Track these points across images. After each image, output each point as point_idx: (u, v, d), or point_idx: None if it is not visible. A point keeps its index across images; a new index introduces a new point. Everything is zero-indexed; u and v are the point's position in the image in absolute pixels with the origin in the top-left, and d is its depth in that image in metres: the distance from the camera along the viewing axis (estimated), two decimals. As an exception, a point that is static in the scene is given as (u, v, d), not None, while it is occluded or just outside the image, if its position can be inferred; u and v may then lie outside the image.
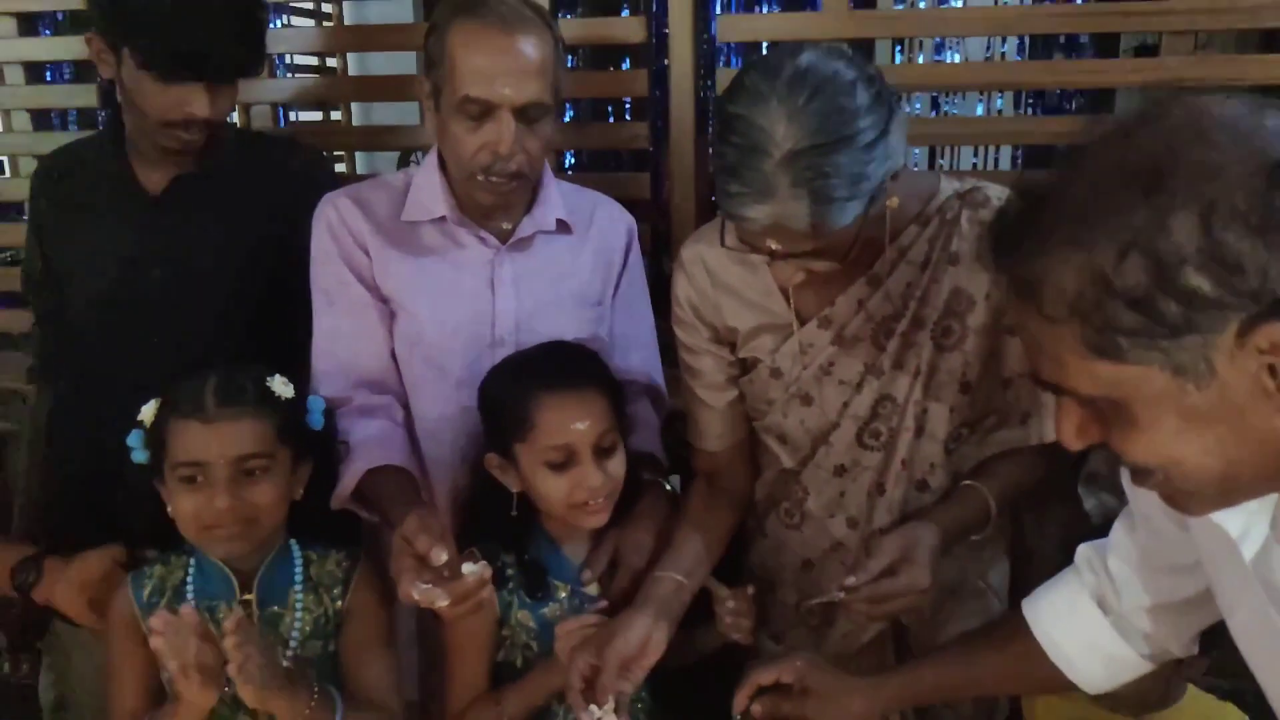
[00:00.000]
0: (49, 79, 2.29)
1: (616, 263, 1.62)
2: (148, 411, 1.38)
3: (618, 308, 1.63)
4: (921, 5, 2.18)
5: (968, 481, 1.39)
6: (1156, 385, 0.73)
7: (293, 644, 1.39)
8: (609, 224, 1.63)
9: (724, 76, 1.91)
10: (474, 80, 1.39)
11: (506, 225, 1.54)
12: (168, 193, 1.68)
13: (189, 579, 1.40)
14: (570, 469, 1.38)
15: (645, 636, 1.32)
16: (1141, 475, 0.82)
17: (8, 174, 2.41)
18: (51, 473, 1.79)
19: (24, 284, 1.87)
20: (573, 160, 2.14)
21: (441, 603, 1.21)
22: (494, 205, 1.51)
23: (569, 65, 1.82)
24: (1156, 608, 1.11)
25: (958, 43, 2.74)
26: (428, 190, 1.54)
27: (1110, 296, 0.71)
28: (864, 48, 2.06)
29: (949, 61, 2.33)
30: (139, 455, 1.39)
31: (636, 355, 1.60)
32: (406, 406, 1.57)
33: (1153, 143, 0.73)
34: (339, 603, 1.43)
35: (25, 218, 1.92)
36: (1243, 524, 0.85)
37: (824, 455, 1.44)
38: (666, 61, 1.89)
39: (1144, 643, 1.14)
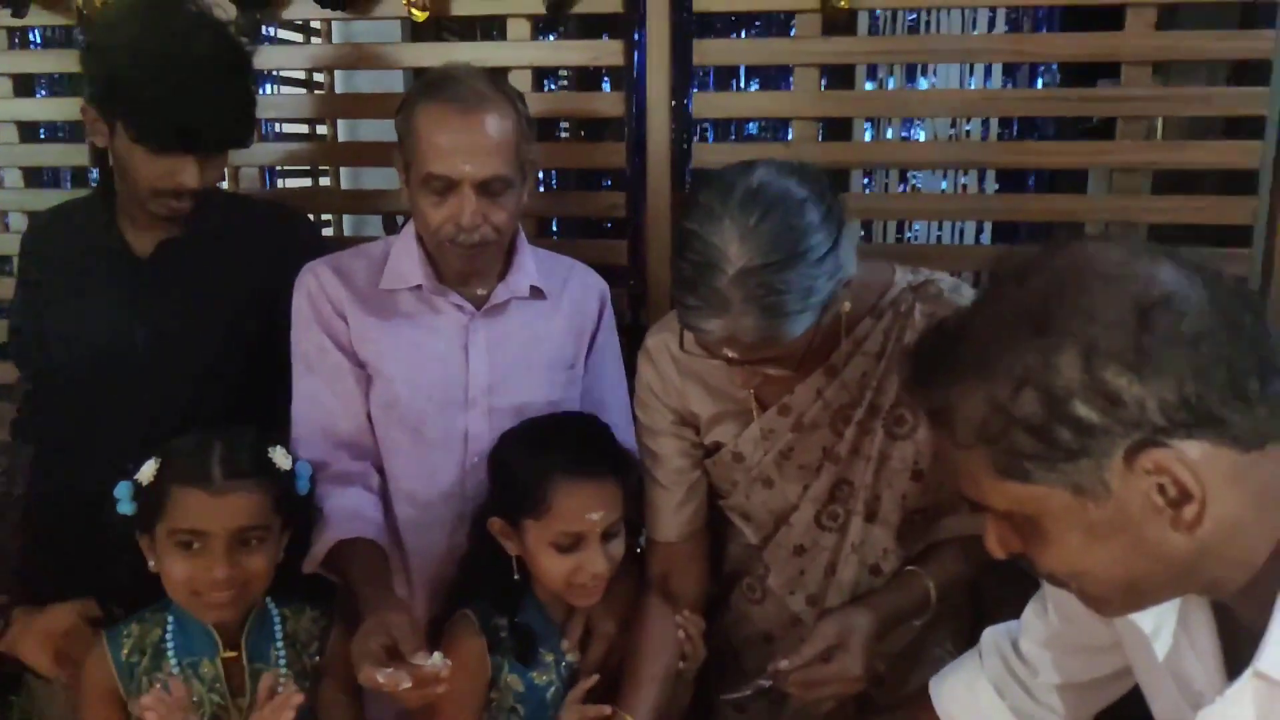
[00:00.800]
0: (42, 137, 2.32)
1: (589, 328, 1.66)
2: (147, 470, 1.38)
3: (590, 371, 1.66)
4: (891, 85, 2.26)
5: (910, 567, 1.42)
6: (1060, 503, 0.80)
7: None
8: (582, 290, 1.67)
9: (699, 150, 1.96)
10: (436, 158, 1.45)
11: (481, 291, 1.58)
12: (155, 256, 1.70)
13: (168, 636, 1.40)
14: (576, 552, 1.39)
15: None
16: (1056, 580, 0.89)
17: (-3, 230, 2.41)
18: (29, 524, 1.77)
19: (10, 338, 1.88)
20: (555, 226, 2.19)
21: (405, 685, 1.22)
22: (466, 270, 1.55)
23: (557, 136, 1.87)
24: (1066, 687, 1.15)
25: (923, 120, 2.85)
26: (405, 259, 1.58)
27: (1011, 424, 0.79)
28: (835, 124, 2.13)
29: (916, 139, 2.41)
30: (125, 507, 1.39)
31: (609, 418, 1.61)
32: (382, 470, 1.59)
33: (1042, 287, 0.81)
34: (315, 659, 1.44)
35: (13, 274, 1.92)
36: (1154, 622, 0.92)
37: (784, 534, 1.47)
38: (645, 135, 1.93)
39: None
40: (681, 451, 1.51)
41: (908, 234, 2.71)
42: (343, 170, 2.58)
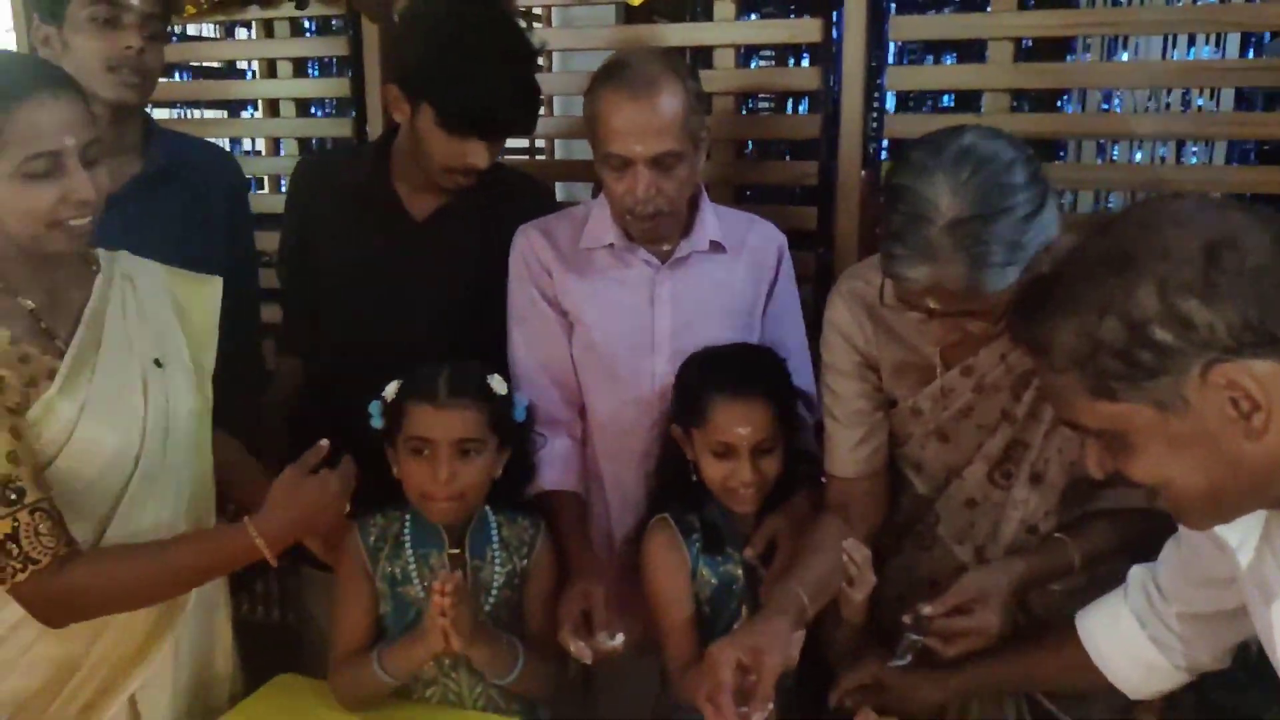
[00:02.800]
0: (313, 112, 2.62)
1: (768, 277, 1.78)
2: (390, 389, 1.58)
3: (770, 318, 1.77)
4: (1087, 58, 2.22)
5: (1059, 535, 1.44)
6: (1144, 418, 0.90)
7: (493, 592, 1.58)
8: (761, 243, 1.79)
9: (891, 122, 2.03)
10: (612, 138, 1.59)
11: (666, 247, 1.73)
12: (431, 220, 1.88)
13: (406, 531, 1.60)
14: (729, 460, 1.54)
15: (786, 646, 1.36)
16: (1151, 494, 0.98)
17: (266, 190, 2.73)
18: (296, 433, 1.99)
19: (278, 260, 2.09)
20: (747, 194, 2.30)
21: (586, 659, 1.43)
22: (644, 236, 1.70)
23: (756, 109, 1.96)
24: (1194, 617, 1.20)
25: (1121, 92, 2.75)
26: (601, 221, 1.74)
27: (1098, 349, 0.89)
28: (1034, 97, 2.12)
29: (1115, 111, 2.35)
30: (376, 421, 1.59)
31: (789, 362, 1.71)
32: (584, 410, 1.78)
33: (1121, 234, 0.91)
34: (524, 562, 1.62)
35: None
36: (1239, 537, 1.00)
37: (956, 487, 1.52)
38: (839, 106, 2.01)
39: (1179, 654, 1.24)
40: (861, 393, 1.56)
41: (1103, 204, 2.64)
42: (556, 141, 2.79)
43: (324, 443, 1.46)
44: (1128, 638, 1.28)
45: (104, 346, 1.40)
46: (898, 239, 1.24)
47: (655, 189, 1.60)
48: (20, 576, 1.27)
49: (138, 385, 1.42)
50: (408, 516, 1.61)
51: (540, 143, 2.88)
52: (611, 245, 1.73)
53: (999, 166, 1.20)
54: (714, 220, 1.75)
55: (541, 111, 1.86)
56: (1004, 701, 1.53)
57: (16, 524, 1.26)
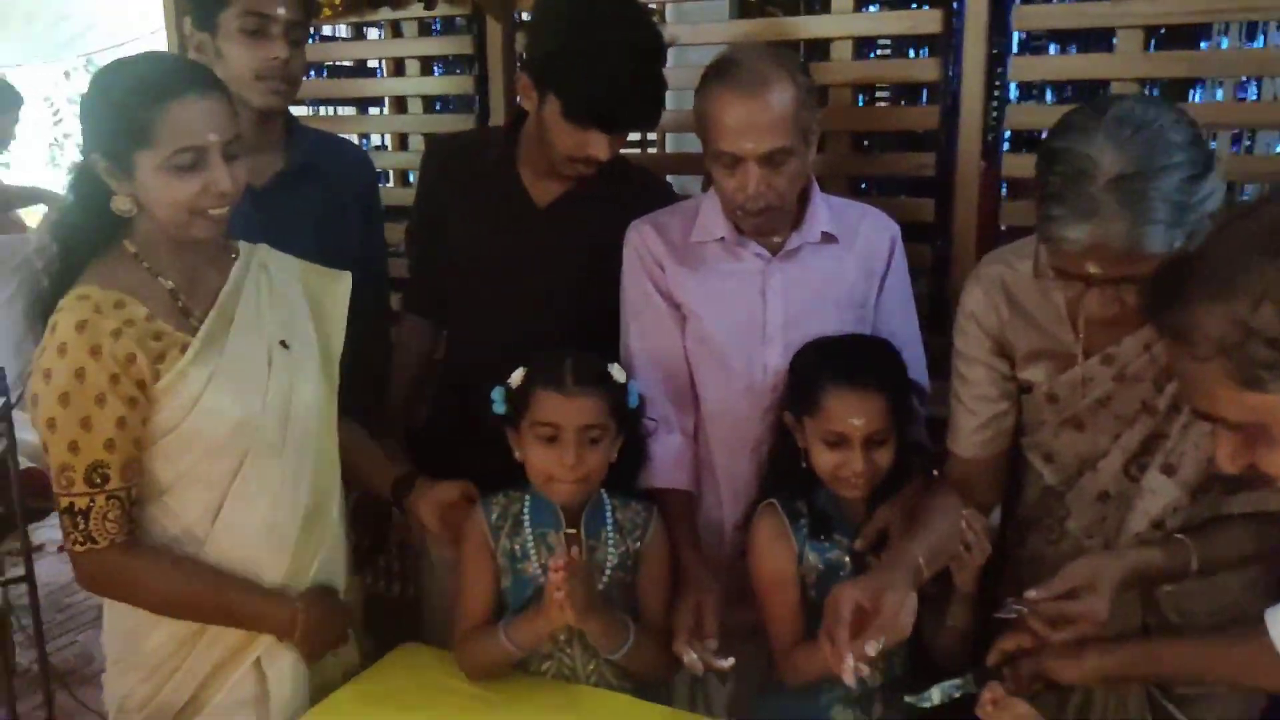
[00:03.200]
0: (437, 109, 2.70)
1: (879, 268, 1.77)
2: (516, 376, 1.62)
3: (882, 308, 1.76)
4: (1224, 45, 2.12)
5: (1179, 535, 1.40)
6: None
7: (607, 573, 1.62)
8: (873, 233, 1.78)
9: (1012, 112, 1.98)
10: (722, 136, 1.59)
11: (777, 240, 1.73)
12: (552, 207, 1.92)
13: (526, 511, 1.66)
14: (842, 449, 1.55)
15: (905, 593, 1.37)
16: None
17: (393, 184, 2.85)
18: (425, 405, 2.12)
19: (406, 231, 2.17)
20: (864, 186, 2.29)
21: (697, 670, 1.48)
22: (755, 230, 1.71)
23: (874, 100, 1.94)
24: None
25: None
26: (712, 214, 1.75)
27: (1250, 336, 0.85)
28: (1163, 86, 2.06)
29: (1251, 99, 2.25)
30: (499, 407, 1.64)
31: (902, 354, 1.70)
32: (697, 401, 1.80)
33: (1272, 217, 0.87)
34: (638, 544, 1.66)
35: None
36: None
37: (1089, 479, 1.49)
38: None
39: None
40: (990, 380, 1.55)
41: (1240, 197, 2.52)
42: (668, 134, 2.82)
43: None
44: None
45: (235, 325, 1.50)
46: (1057, 199, 1.22)
47: (766, 185, 1.61)
48: (79, 549, 1.41)
49: (263, 363, 1.52)
50: (527, 497, 1.66)
51: (652, 135, 2.91)
52: (723, 239, 1.75)
53: (1161, 126, 1.20)
54: (825, 212, 1.75)
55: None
56: (1129, 698, 1.49)
57: (92, 504, 1.39)
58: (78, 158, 1.45)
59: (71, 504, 1.39)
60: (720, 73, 1.63)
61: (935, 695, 1.38)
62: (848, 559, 1.62)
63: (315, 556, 1.59)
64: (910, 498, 1.61)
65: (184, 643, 1.52)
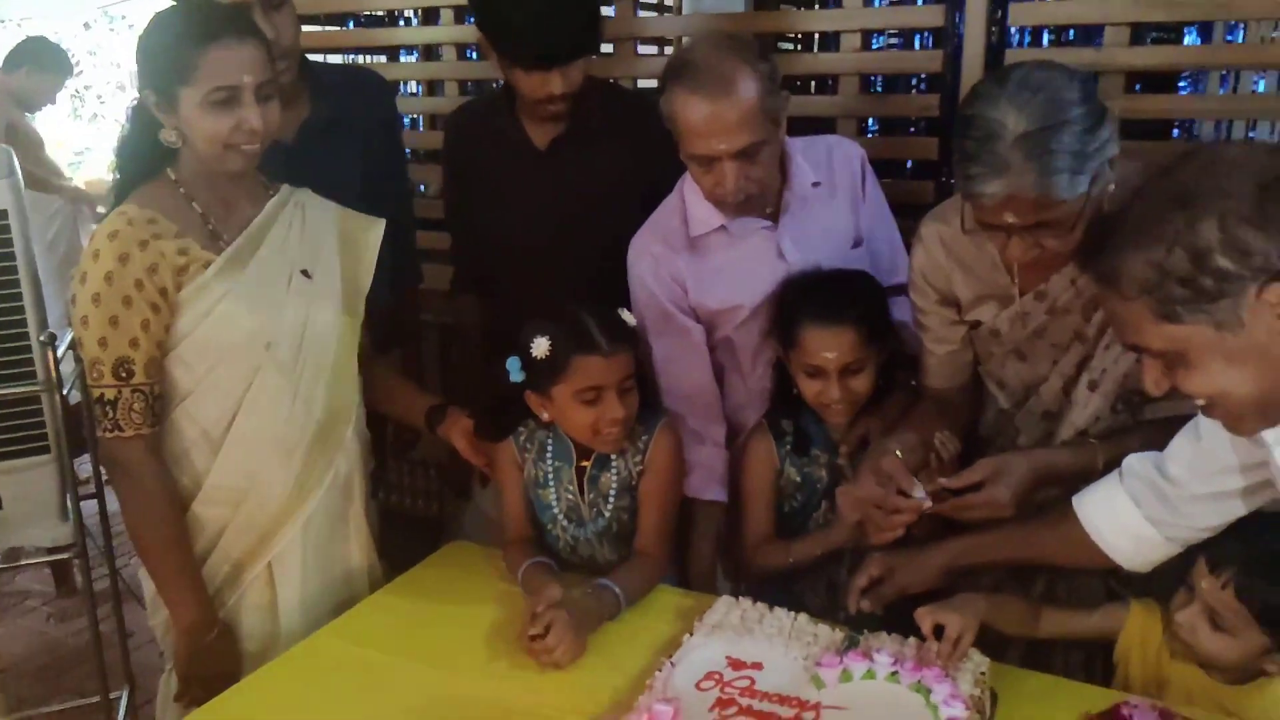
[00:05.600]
0: (471, 57, 2.78)
1: (857, 187, 1.84)
2: (540, 346, 1.61)
3: (864, 217, 1.84)
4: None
5: (1091, 439, 1.53)
6: (1205, 337, 1.01)
7: (610, 499, 1.72)
8: (845, 163, 1.83)
9: (1012, 56, 2.07)
10: (693, 140, 1.61)
11: (770, 209, 1.77)
12: (551, 147, 1.97)
13: (550, 444, 1.75)
14: (819, 379, 1.68)
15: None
16: (1207, 408, 1.10)
17: (423, 129, 2.95)
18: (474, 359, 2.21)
19: (446, 216, 2.26)
20: (874, 125, 2.40)
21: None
22: (742, 212, 1.73)
23: (875, 45, 2.04)
24: (1204, 497, 1.31)
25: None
26: (700, 204, 1.76)
27: (1166, 278, 1.00)
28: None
29: (1237, 41, 2.37)
30: (516, 376, 1.67)
31: (881, 255, 1.82)
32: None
33: (1184, 175, 1.01)
34: (640, 466, 1.73)
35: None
36: (1275, 435, 1.12)
37: (1034, 401, 1.61)
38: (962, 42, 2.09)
39: (1178, 529, 1.36)
40: (943, 325, 1.66)
41: (1226, 134, 2.64)
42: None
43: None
44: (1122, 516, 1.40)
45: (261, 251, 1.62)
46: (973, 160, 1.32)
47: (744, 178, 1.63)
48: (108, 435, 1.55)
49: (283, 286, 1.63)
50: (551, 435, 1.75)
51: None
52: (723, 227, 1.77)
53: (1057, 86, 1.30)
54: (804, 163, 1.78)
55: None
56: (1087, 584, 1.63)
57: (119, 395, 1.53)
58: (99, 109, 1.57)
59: (101, 394, 1.53)
60: (681, 75, 1.61)
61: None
62: (824, 474, 1.76)
63: (328, 472, 1.70)
64: (890, 409, 1.73)
65: (209, 543, 1.65)
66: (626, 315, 1.68)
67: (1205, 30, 2.43)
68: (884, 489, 1.52)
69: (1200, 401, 1.11)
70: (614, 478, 1.73)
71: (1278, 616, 1.28)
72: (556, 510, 1.76)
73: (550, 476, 1.75)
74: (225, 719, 1.41)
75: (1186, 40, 2.34)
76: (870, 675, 1.33)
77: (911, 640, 1.42)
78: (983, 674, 1.34)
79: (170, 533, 1.60)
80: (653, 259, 1.80)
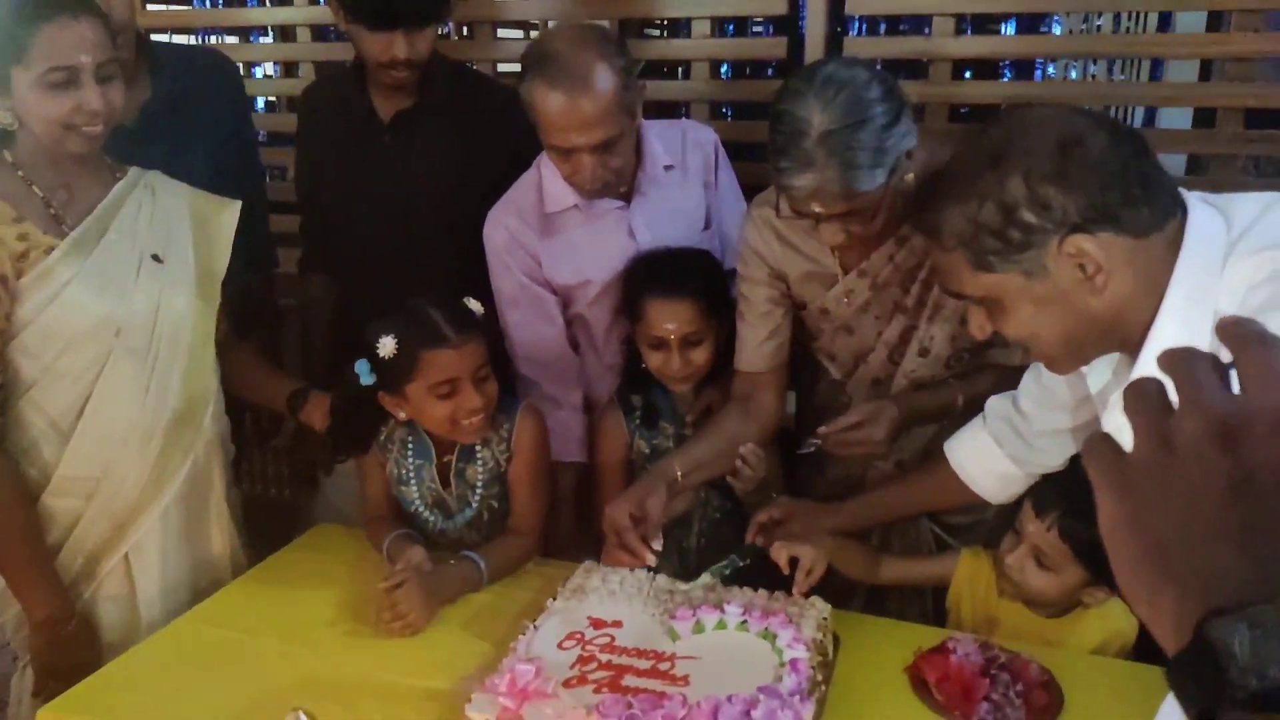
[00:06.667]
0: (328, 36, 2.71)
1: (710, 177, 1.90)
2: (388, 346, 1.58)
3: (720, 203, 1.90)
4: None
5: (949, 380, 1.66)
6: (1016, 284, 1.10)
7: (478, 489, 1.73)
8: (696, 147, 1.88)
9: (849, 44, 2.20)
10: (551, 131, 1.65)
11: (624, 189, 1.81)
12: (396, 119, 1.96)
13: (410, 442, 1.74)
14: (661, 350, 1.74)
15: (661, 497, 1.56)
16: (1025, 351, 1.18)
17: (279, 111, 2.87)
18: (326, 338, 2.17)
19: (296, 193, 2.21)
20: (726, 110, 2.49)
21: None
22: (599, 197, 1.77)
23: (728, 31, 2.10)
24: (1050, 433, 1.44)
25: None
26: (556, 182, 1.78)
27: (979, 230, 1.08)
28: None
29: (1052, 34, 2.56)
30: (367, 379, 1.63)
31: (732, 237, 1.86)
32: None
33: (995, 136, 1.09)
34: (506, 452, 1.74)
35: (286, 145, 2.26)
36: (1093, 366, 1.22)
37: (863, 370, 1.71)
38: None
39: (1033, 465, 1.48)
40: (769, 298, 1.70)
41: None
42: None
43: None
44: (987, 456, 1.51)
45: (109, 235, 1.58)
46: (783, 154, 1.40)
47: (602, 168, 1.67)
48: None
49: (132, 272, 1.58)
50: (409, 430, 1.74)
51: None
52: (576, 206, 1.80)
53: (858, 85, 1.38)
54: (658, 145, 1.82)
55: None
56: (917, 533, 1.76)
57: None
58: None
59: None
60: (540, 66, 1.63)
61: (705, 578, 1.51)
62: (672, 444, 1.83)
63: (186, 460, 1.67)
64: (731, 382, 1.79)
65: (61, 535, 1.61)
66: (473, 303, 1.67)
67: (1025, 23, 2.63)
68: (630, 528, 1.51)
69: (1018, 345, 1.20)
70: (480, 469, 1.74)
71: (1095, 553, 1.39)
72: (420, 506, 1.76)
73: (411, 475, 1.75)
74: (85, 707, 1.38)
75: (1006, 32, 2.52)
76: (722, 625, 1.41)
77: (761, 591, 1.50)
78: (825, 619, 1.43)
79: (18, 524, 1.55)
80: (507, 232, 1.84)
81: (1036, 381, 1.42)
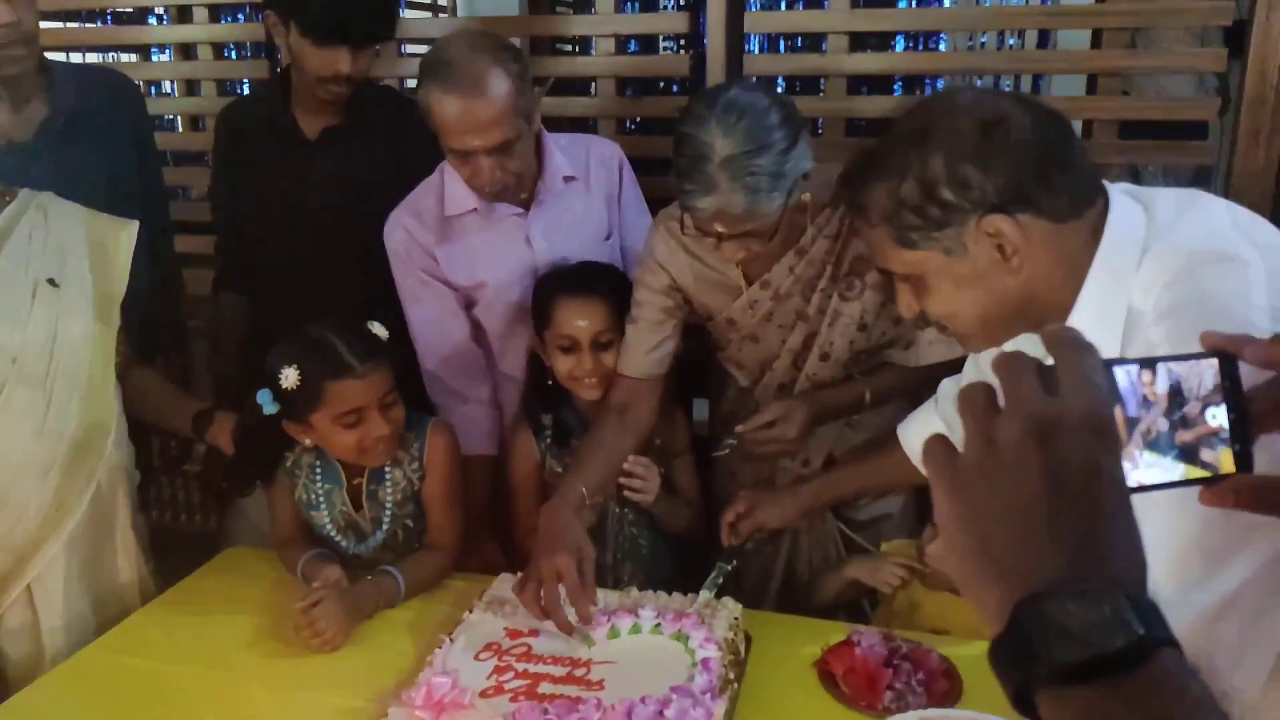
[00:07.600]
0: (230, 55, 2.70)
1: (615, 192, 1.93)
2: (290, 377, 1.56)
3: (624, 219, 1.94)
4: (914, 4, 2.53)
5: (856, 377, 1.72)
6: (937, 262, 1.10)
7: (389, 509, 1.71)
8: (602, 162, 1.91)
9: (749, 61, 2.24)
10: (448, 135, 1.67)
11: (525, 195, 1.84)
12: (320, 139, 1.99)
13: (317, 467, 1.71)
14: (573, 352, 1.75)
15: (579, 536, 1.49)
16: (944, 329, 1.19)
17: (180, 130, 2.81)
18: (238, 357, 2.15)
19: (210, 205, 2.20)
20: (631, 124, 2.53)
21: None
22: (499, 200, 1.80)
23: (630, 50, 2.15)
24: None
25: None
26: (457, 185, 1.80)
27: (901, 206, 1.08)
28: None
29: (938, 50, 2.68)
30: (270, 408, 1.61)
31: (634, 250, 1.88)
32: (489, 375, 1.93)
33: (919, 115, 1.10)
34: (419, 473, 1.73)
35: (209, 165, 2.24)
36: (1012, 346, 1.21)
37: (769, 377, 1.76)
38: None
39: None
40: (664, 308, 1.72)
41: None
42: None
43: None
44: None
45: (0, 262, 1.52)
46: (686, 177, 1.43)
47: (499, 170, 1.69)
48: None
49: (27, 298, 1.55)
50: (316, 456, 1.71)
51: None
52: (475, 210, 1.82)
53: (759, 111, 1.41)
54: (560, 156, 1.85)
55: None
56: (825, 538, 1.83)
57: None
58: None
59: None
60: (436, 72, 1.65)
61: (704, 595, 1.52)
62: None
63: (88, 488, 1.62)
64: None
65: None
66: (377, 328, 1.66)
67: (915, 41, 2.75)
68: (581, 589, 1.43)
69: (934, 319, 1.20)
70: (392, 489, 1.72)
71: None
72: (331, 530, 1.74)
73: (321, 499, 1.73)
74: (-16, 746, 1.34)
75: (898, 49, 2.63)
76: (636, 630, 1.44)
77: (675, 595, 1.53)
78: (736, 619, 1.47)
79: None
80: (405, 231, 1.86)
81: (974, 364, 1.43)
